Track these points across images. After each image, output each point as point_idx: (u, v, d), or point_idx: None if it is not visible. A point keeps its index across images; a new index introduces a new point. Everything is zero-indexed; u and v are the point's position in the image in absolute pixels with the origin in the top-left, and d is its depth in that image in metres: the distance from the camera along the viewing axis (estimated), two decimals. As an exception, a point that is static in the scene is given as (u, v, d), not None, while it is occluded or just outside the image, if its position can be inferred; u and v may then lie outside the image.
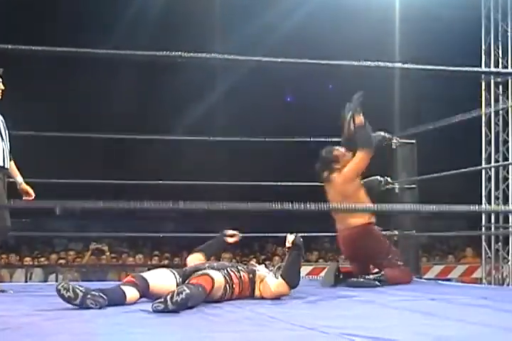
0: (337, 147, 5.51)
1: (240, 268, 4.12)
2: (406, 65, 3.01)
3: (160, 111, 15.06)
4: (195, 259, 4.47)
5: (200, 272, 3.84)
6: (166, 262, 11.43)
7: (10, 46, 2.70)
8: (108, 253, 11.28)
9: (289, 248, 4.20)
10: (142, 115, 15.06)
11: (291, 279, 4.03)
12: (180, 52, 2.75)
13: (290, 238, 4.05)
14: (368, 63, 2.84)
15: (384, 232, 6.33)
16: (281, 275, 4.06)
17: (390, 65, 2.96)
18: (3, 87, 4.72)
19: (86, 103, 15.33)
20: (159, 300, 3.34)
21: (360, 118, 5.25)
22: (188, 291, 3.32)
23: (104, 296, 3.43)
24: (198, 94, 15.25)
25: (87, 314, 3.19)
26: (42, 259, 11.64)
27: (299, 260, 4.02)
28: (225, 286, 3.87)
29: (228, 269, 4.02)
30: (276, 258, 12.03)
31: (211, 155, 15.50)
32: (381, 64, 2.85)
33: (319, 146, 5.71)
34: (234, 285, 3.95)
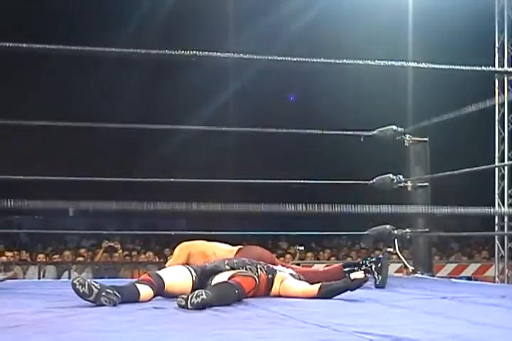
0: None
1: (259, 266, 4.11)
2: (421, 65, 3.00)
3: (171, 107, 15.07)
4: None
5: (244, 272, 3.86)
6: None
7: (24, 45, 2.71)
8: (120, 251, 11.31)
9: (348, 276, 4.14)
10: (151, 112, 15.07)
11: (325, 294, 3.99)
12: (194, 51, 2.76)
13: (358, 275, 4.01)
14: (382, 62, 2.84)
15: (396, 231, 6.33)
16: (321, 285, 4.02)
17: (403, 64, 2.95)
18: None
19: (95, 102, 15.37)
20: (183, 296, 3.38)
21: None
22: (204, 297, 3.34)
23: (117, 294, 3.45)
24: (206, 93, 15.27)
25: (100, 311, 3.20)
26: (55, 256, 11.67)
27: (342, 290, 3.98)
28: None
29: (247, 267, 4.02)
30: (288, 256, 12.02)
31: (221, 153, 15.55)
32: (394, 63, 2.85)
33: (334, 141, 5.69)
34: None
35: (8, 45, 2.73)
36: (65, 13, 14.81)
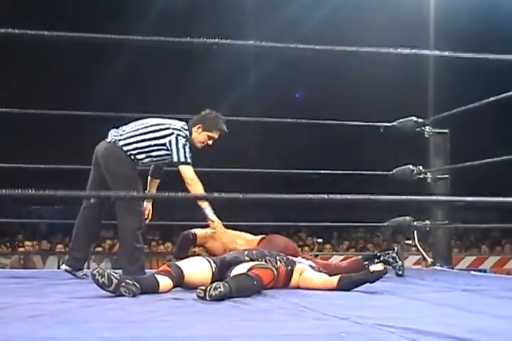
0: None
1: (278, 258, 4.10)
2: (445, 53, 2.97)
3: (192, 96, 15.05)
4: None
5: (263, 264, 3.86)
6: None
7: (46, 32, 2.71)
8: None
9: (367, 268, 4.13)
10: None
11: (344, 286, 3.98)
12: (216, 39, 2.75)
13: (378, 268, 3.99)
14: (406, 51, 2.81)
15: (416, 223, 6.31)
16: (341, 277, 4.01)
17: (427, 52, 2.92)
18: (210, 143, 4.90)
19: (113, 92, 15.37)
20: (202, 288, 3.38)
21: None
22: (222, 289, 3.34)
23: (137, 284, 3.46)
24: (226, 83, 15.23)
25: (120, 302, 3.21)
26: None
27: (362, 282, 3.97)
28: None
29: (267, 258, 4.02)
30: (306, 248, 12.01)
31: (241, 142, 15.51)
32: (417, 51, 2.82)
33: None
34: None
35: (28, 32, 2.72)
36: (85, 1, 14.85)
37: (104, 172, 4.77)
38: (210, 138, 4.87)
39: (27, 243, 12.01)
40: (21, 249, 11.67)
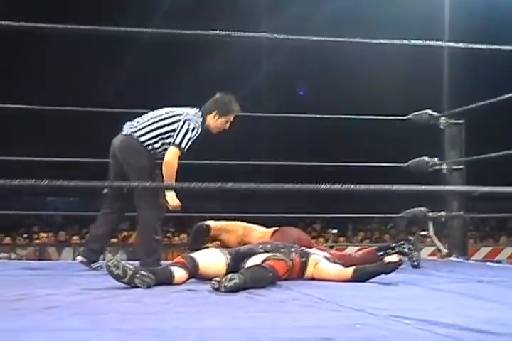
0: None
1: (292, 250, 4.10)
2: (458, 45, 2.95)
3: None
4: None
5: (277, 255, 3.85)
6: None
7: (59, 26, 2.72)
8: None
9: (382, 259, 4.12)
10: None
11: (359, 278, 3.97)
12: (229, 32, 2.74)
13: (393, 259, 3.98)
14: (419, 42, 2.80)
15: (431, 213, 6.29)
16: (356, 268, 4.01)
17: (441, 44, 2.90)
18: (227, 127, 4.94)
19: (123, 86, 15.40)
20: (216, 279, 3.39)
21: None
22: (237, 281, 3.34)
23: (152, 276, 3.46)
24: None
25: (135, 293, 3.21)
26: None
27: (377, 273, 3.96)
28: None
29: (281, 250, 4.01)
30: (321, 239, 12.01)
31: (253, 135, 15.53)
32: (432, 43, 2.81)
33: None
34: None
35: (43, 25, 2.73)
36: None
37: (122, 164, 4.78)
38: (226, 122, 4.90)
39: (42, 234, 12.09)
40: (37, 241, 11.74)
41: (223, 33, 2.75)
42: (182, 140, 4.69)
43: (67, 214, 14.98)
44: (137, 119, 4.86)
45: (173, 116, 4.79)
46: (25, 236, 12.38)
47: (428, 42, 2.81)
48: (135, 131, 4.77)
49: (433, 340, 2.14)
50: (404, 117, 6.43)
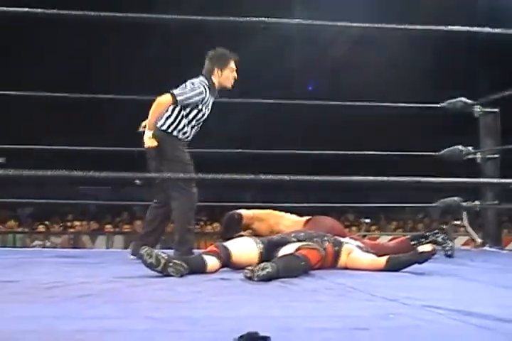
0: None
1: (325, 239, 4.08)
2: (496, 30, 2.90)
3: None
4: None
5: (310, 244, 3.84)
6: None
7: (74, 12, 2.71)
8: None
9: (416, 248, 4.08)
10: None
11: (392, 267, 3.94)
12: (263, 18, 2.72)
13: (426, 248, 3.95)
14: (456, 28, 2.76)
15: (465, 203, 6.23)
16: (389, 257, 3.98)
17: (475, 29, 2.86)
18: (236, 75, 4.92)
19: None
20: (249, 268, 3.39)
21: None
22: (270, 270, 3.33)
23: (185, 265, 3.47)
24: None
25: (168, 282, 3.22)
26: (125, 227, 11.83)
27: (410, 263, 3.93)
28: None
29: (314, 239, 4.00)
30: (354, 228, 11.96)
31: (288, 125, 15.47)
32: (469, 28, 2.77)
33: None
34: None
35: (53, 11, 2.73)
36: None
37: (154, 158, 4.80)
38: (231, 71, 4.90)
39: (76, 223, 12.17)
40: (71, 229, 11.82)
41: (258, 19, 2.72)
42: (181, 93, 4.71)
43: (100, 204, 15.03)
44: None
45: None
46: (59, 224, 12.48)
47: (465, 28, 2.77)
48: (158, 124, 4.80)
49: (467, 331, 2.11)
50: (438, 105, 6.37)
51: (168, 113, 4.76)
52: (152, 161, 4.85)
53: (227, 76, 4.88)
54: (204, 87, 4.77)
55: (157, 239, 5.00)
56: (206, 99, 4.78)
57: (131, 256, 4.76)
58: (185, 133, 4.79)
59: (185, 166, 4.69)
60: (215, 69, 4.85)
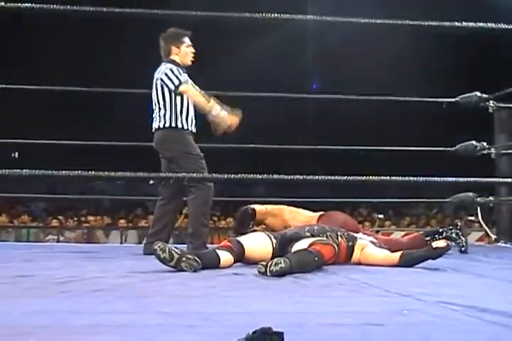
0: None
1: (339, 234, 4.07)
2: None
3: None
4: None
5: (324, 240, 3.84)
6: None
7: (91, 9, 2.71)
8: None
9: (430, 244, 4.06)
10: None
11: (406, 263, 3.93)
12: (276, 14, 2.71)
13: (441, 244, 3.93)
14: (471, 24, 2.74)
15: (479, 199, 6.20)
16: (403, 253, 3.97)
17: (492, 25, 2.84)
18: (193, 50, 4.97)
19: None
20: (262, 263, 3.37)
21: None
22: (283, 265, 3.32)
23: (198, 260, 3.47)
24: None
25: (181, 277, 3.22)
26: (137, 222, 11.86)
27: (424, 259, 3.91)
28: None
29: (328, 234, 3.98)
30: (367, 223, 11.94)
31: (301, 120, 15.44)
32: (483, 25, 2.75)
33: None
34: None
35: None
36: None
37: (166, 160, 4.82)
38: (188, 47, 4.93)
39: (90, 218, 12.21)
40: (85, 224, 11.86)
41: (270, 15, 2.71)
42: (176, 77, 4.76)
43: (113, 199, 15.07)
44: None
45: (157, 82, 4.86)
46: (73, 219, 12.53)
47: (479, 24, 2.75)
48: (155, 122, 4.83)
49: (482, 327, 2.10)
50: (453, 99, 6.34)
51: (162, 111, 4.79)
52: (164, 160, 4.86)
53: (185, 51, 4.92)
54: (172, 66, 4.81)
55: (168, 236, 4.98)
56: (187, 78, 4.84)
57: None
58: (188, 119, 4.80)
59: (198, 161, 4.70)
60: (172, 48, 4.89)
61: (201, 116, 4.85)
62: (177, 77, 4.75)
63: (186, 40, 4.91)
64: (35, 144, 6.89)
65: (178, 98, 4.79)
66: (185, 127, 4.81)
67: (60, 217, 12.39)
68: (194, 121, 4.90)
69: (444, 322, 2.15)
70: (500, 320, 2.16)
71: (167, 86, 4.77)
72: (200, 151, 4.81)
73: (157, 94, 4.84)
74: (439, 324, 2.13)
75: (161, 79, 4.79)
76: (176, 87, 4.73)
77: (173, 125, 4.77)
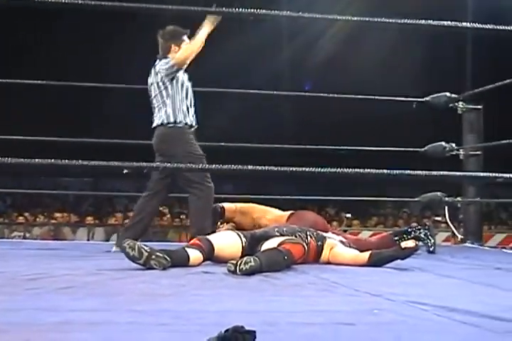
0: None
1: (308, 233, 4.07)
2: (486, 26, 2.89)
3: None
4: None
5: (293, 239, 3.84)
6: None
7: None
8: (168, 215, 11.39)
9: (399, 244, 4.07)
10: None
11: (375, 263, 3.93)
12: (252, 10, 2.68)
13: (409, 244, 3.94)
14: (445, 23, 2.75)
15: (447, 198, 6.24)
16: (372, 253, 3.98)
17: (467, 25, 2.85)
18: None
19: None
20: (232, 262, 3.37)
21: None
22: (253, 264, 3.32)
23: (167, 258, 3.45)
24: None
25: (150, 275, 3.21)
26: (104, 219, 11.79)
27: (393, 259, 3.93)
28: None
29: (297, 234, 3.99)
30: (334, 223, 11.99)
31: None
32: (458, 24, 2.76)
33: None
34: None
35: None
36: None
37: (164, 159, 4.79)
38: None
39: (57, 214, 12.12)
40: (52, 221, 11.78)
41: (246, 11, 2.69)
42: (169, 65, 4.74)
43: (81, 195, 14.99)
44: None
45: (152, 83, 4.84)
46: (40, 215, 12.43)
47: (455, 23, 2.76)
48: (155, 121, 4.81)
49: (452, 327, 2.11)
50: (422, 99, 6.37)
51: (162, 108, 4.76)
52: (160, 157, 4.81)
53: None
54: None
55: (143, 230, 4.94)
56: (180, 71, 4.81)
57: (115, 248, 4.72)
58: (187, 114, 4.77)
59: (200, 160, 4.67)
60: (172, 46, 4.84)
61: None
62: (168, 64, 4.73)
63: (185, 38, 4.86)
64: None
65: (178, 93, 4.75)
66: (187, 122, 4.77)
67: (26, 214, 12.29)
68: (194, 115, 4.86)
69: (415, 322, 2.17)
70: (471, 319, 2.18)
71: (170, 74, 4.73)
72: (201, 150, 4.79)
73: (157, 89, 4.80)
74: (410, 323, 2.14)
75: (159, 72, 4.76)
76: (176, 64, 4.69)
77: (173, 120, 4.74)
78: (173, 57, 4.78)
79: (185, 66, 4.77)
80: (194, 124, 4.87)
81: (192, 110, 4.87)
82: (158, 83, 4.80)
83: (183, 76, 4.85)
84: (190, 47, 4.69)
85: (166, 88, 4.78)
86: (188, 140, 4.79)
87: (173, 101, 4.76)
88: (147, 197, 4.89)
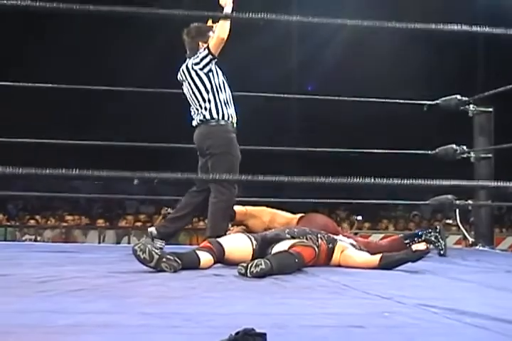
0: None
1: (319, 236, 4.07)
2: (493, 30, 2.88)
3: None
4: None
5: (304, 242, 3.84)
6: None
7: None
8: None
9: (409, 247, 4.07)
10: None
11: (385, 265, 3.93)
12: (262, 14, 2.68)
13: (420, 247, 3.94)
14: (456, 27, 2.75)
15: (458, 201, 6.23)
16: (382, 256, 3.97)
17: (478, 29, 2.84)
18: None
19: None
20: (243, 264, 3.38)
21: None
22: (263, 266, 3.32)
23: (178, 260, 3.46)
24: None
25: (161, 277, 3.21)
26: (115, 222, 11.81)
27: (404, 262, 3.92)
28: None
29: (308, 236, 3.98)
30: (345, 226, 11.96)
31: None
32: (468, 28, 2.75)
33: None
34: None
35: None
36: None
37: (203, 158, 4.78)
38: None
39: (68, 217, 12.14)
40: (63, 223, 11.80)
41: (256, 15, 2.69)
42: (205, 57, 4.70)
43: (92, 198, 15.01)
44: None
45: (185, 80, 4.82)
46: (51, 218, 12.46)
47: (465, 28, 2.75)
48: (196, 116, 4.79)
49: (462, 330, 2.11)
50: (433, 102, 6.37)
51: (202, 105, 4.73)
52: (201, 158, 4.81)
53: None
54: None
55: (180, 228, 5.00)
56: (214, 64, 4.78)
57: (151, 229, 4.86)
58: (229, 107, 4.76)
59: (233, 162, 4.65)
60: (200, 44, 4.82)
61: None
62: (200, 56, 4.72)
63: (211, 34, 4.83)
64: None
65: (217, 87, 4.73)
66: (228, 118, 4.74)
67: (37, 217, 12.32)
68: (235, 112, 4.84)
69: (425, 325, 2.16)
70: (481, 322, 2.18)
71: (205, 65, 4.71)
72: (239, 152, 4.76)
73: (194, 87, 4.77)
74: (420, 326, 2.14)
75: (193, 68, 4.73)
76: (209, 53, 4.67)
77: (215, 115, 4.71)
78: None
79: (217, 54, 4.71)
80: (235, 121, 4.83)
81: (232, 105, 4.83)
82: (193, 79, 4.77)
83: (218, 69, 4.81)
84: (219, 33, 4.62)
85: (203, 83, 4.75)
86: (230, 138, 4.73)
87: (214, 97, 4.74)
88: (193, 193, 4.88)
